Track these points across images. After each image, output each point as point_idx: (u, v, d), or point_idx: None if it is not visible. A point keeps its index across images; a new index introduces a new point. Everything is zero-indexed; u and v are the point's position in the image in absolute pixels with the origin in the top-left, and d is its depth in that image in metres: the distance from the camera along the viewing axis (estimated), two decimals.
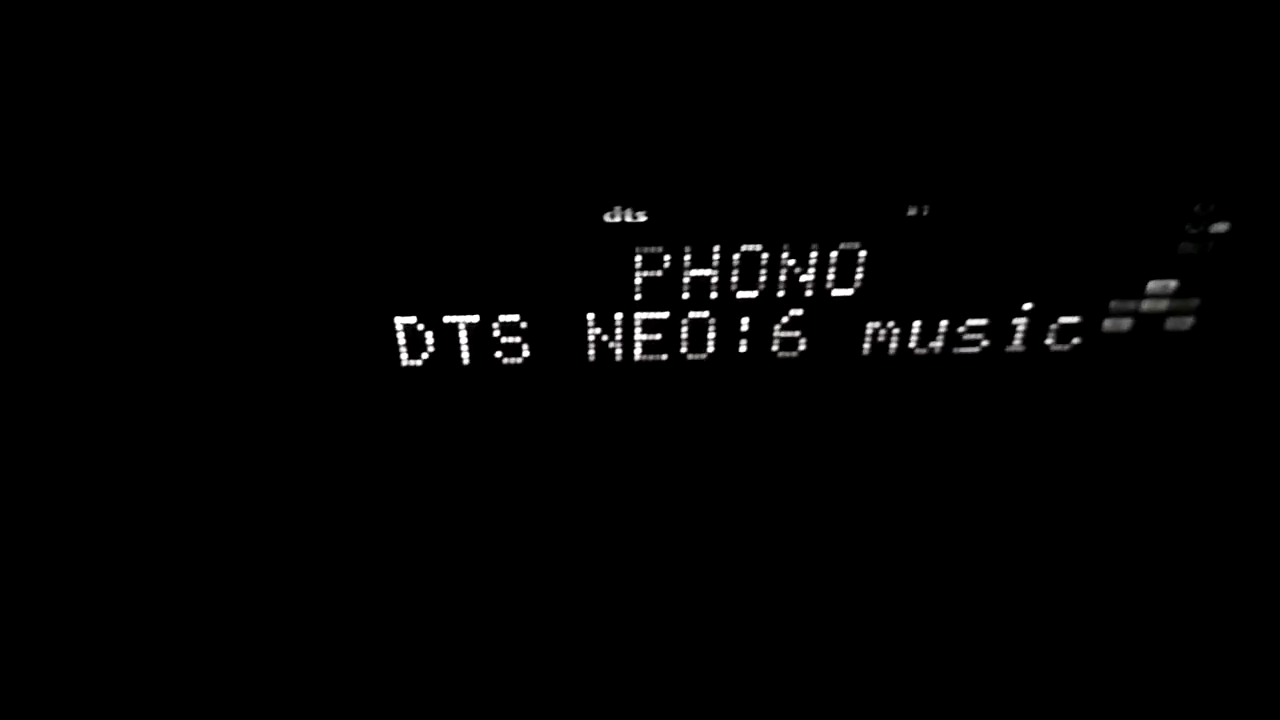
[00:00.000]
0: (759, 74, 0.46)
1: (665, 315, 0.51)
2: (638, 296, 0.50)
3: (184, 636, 0.53)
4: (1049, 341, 0.53)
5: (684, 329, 0.51)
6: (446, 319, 0.50)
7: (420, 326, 0.50)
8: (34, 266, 0.48)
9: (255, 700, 0.52)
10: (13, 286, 0.48)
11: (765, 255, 0.49)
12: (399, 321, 0.50)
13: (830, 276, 0.50)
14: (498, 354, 0.51)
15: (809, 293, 0.50)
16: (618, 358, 0.52)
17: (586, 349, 0.52)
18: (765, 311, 0.51)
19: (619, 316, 0.51)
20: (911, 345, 0.53)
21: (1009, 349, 0.53)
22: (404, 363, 0.51)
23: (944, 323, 0.52)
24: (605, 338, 0.51)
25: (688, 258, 0.49)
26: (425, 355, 0.51)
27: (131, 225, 0.46)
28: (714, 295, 0.50)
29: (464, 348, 0.51)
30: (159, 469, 0.54)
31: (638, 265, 0.49)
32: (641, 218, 0.48)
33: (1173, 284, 0.52)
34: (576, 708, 0.52)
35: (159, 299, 0.48)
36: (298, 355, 0.50)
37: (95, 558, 0.54)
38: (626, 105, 0.46)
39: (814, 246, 0.49)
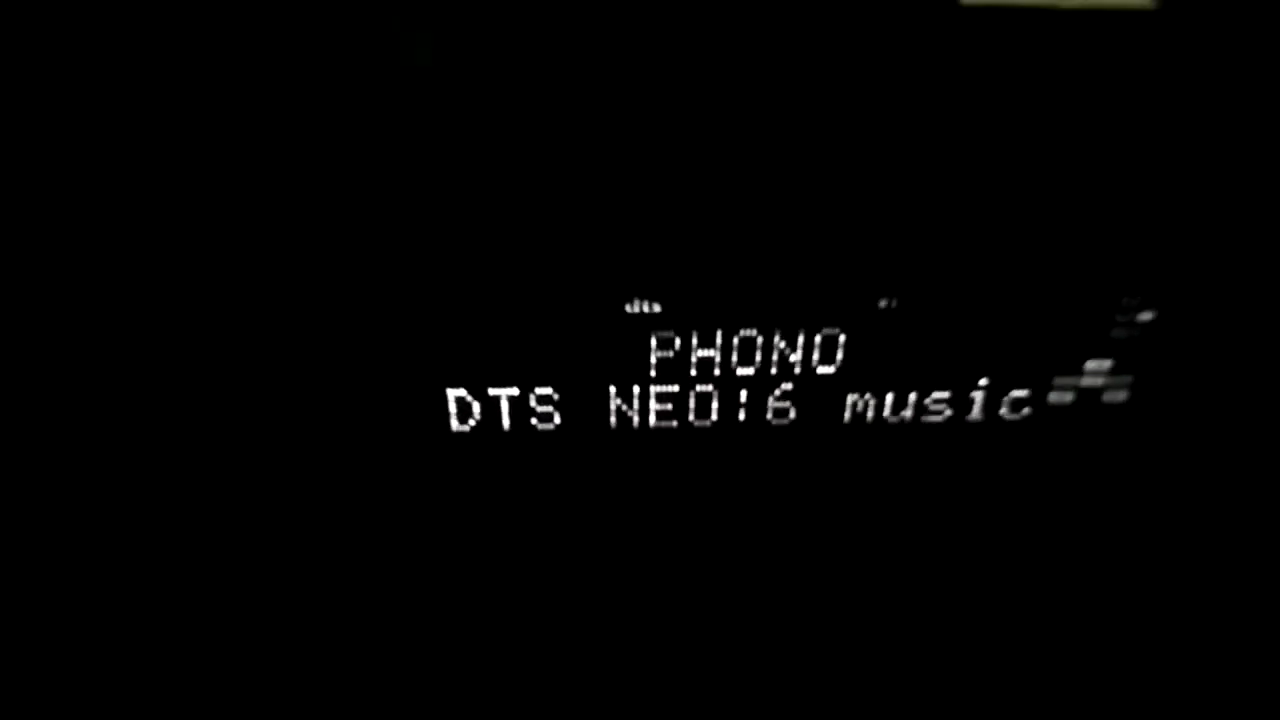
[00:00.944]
0: (758, 193, 0.55)
1: (676, 389, 0.59)
2: (653, 373, 0.59)
3: (225, 681, 0.61)
4: (1003, 412, 0.62)
5: (691, 400, 0.60)
6: (491, 391, 0.59)
7: (468, 397, 0.59)
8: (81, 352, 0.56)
9: None
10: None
11: (760, 339, 0.58)
12: (450, 393, 0.59)
13: (815, 356, 0.59)
14: (534, 421, 0.60)
15: (797, 370, 0.59)
16: (635, 425, 0.61)
17: (609, 417, 0.60)
18: (760, 386, 0.60)
19: (636, 389, 0.59)
20: (885, 414, 0.61)
21: (969, 418, 0.62)
22: (454, 428, 0.60)
23: (912, 395, 0.61)
24: (625, 408, 0.60)
25: (695, 340, 0.58)
26: (472, 422, 0.60)
27: (210, 298, 0.55)
28: (717, 372, 0.59)
29: (505, 416, 0.59)
30: (224, 513, 0.62)
31: (653, 347, 0.58)
32: (656, 308, 0.57)
33: (1108, 363, 0.61)
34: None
35: (244, 365, 0.57)
36: (362, 421, 0.59)
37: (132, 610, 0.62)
38: (646, 215, 0.55)
39: (801, 331, 0.58)
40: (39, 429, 0.57)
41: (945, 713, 0.61)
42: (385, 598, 0.63)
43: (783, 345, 0.58)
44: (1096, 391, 0.62)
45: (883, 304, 0.57)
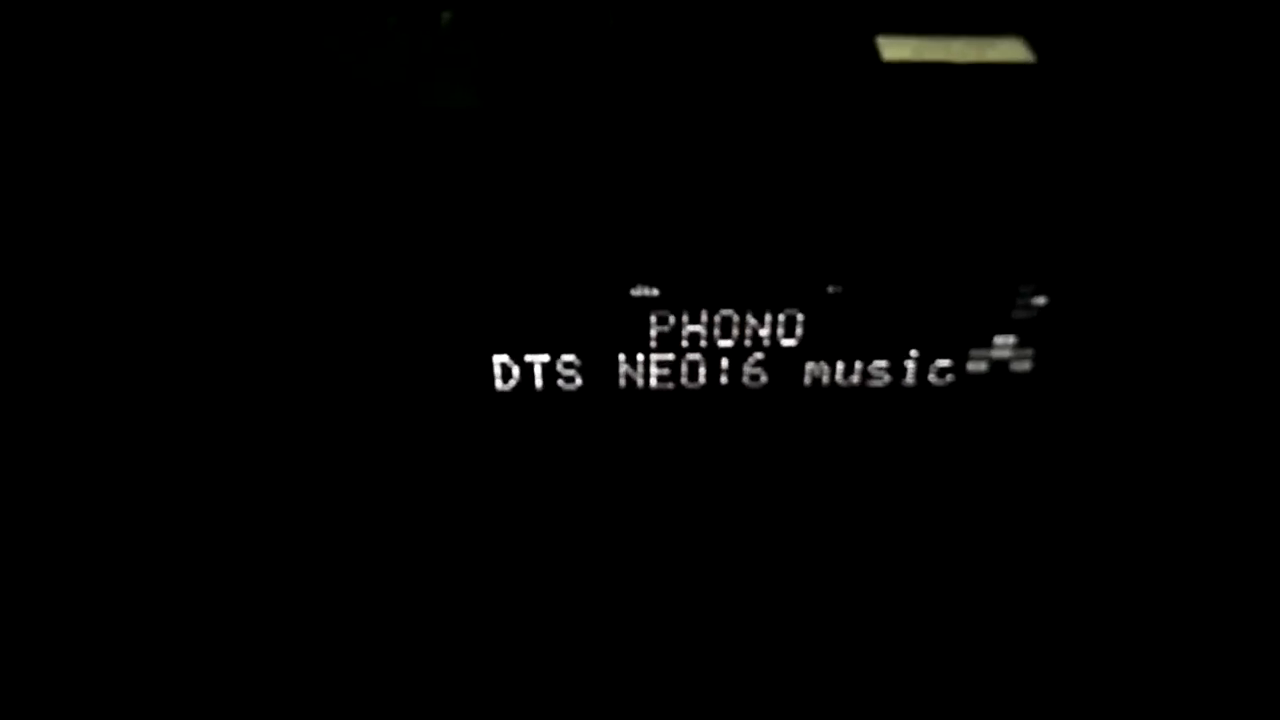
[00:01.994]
0: (734, 205, 0.71)
1: (671, 357, 0.75)
2: (653, 344, 0.75)
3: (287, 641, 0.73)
4: (931, 378, 0.78)
5: (684, 367, 0.76)
6: (527, 357, 0.75)
7: (509, 362, 0.75)
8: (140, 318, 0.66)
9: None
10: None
11: (736, 317, 0.74)
12: (496, 359, 0.75)
13: (780, 331, 0.75)
14: (560, 382, 0.76)
15: (766, 343, 0.75)
16: (639, 386, 0.77)
17: (618, 380, 0.76)
18: (737, 355, 0.76)
19: (640, 358, 0.75)
20: (838, 380, 0.77)
21: (904, 383, 0.78)
22: (498, 388, 0.76)
23: (859, 364, 0.77)
24: (631, 372, 0.76)
25: (686, 318, 0.74)
26: (512, 383, 0.76)
27: (266, 265, 0.66)
28: (703, 344, 0.75)
29: (538, 377, 0.76)
30: (282, 465, 0.75)
31: (652, 323, 0.74)
32: (655, 292, 0.73)
33: (1012, 339, 0.76)
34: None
35: (315, 330, 0.73)
36: (424, 383, 0.76)
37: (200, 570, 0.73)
38: (648, 222, 0.70)
39: (768, 311, 0.74)
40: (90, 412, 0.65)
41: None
42: (435, 528, 0.79)
43: (754, 322, 0.74)
44: (1005, 362, 0.77)
45: (831, 289, 0.72)
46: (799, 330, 0.73)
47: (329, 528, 0.77)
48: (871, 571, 0.78)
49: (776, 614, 0.77)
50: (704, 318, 0.71)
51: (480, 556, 0.78)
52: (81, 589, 0.68)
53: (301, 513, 0.77)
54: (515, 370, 0.74)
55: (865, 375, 0.75)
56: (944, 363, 0.75)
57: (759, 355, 0.74)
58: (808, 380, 0.75)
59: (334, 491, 0.77)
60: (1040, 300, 0.73)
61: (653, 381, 0.75)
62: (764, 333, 0.73)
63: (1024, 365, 0.76)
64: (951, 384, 0.76)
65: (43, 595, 0.64)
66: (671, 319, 0.71)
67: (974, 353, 0.75)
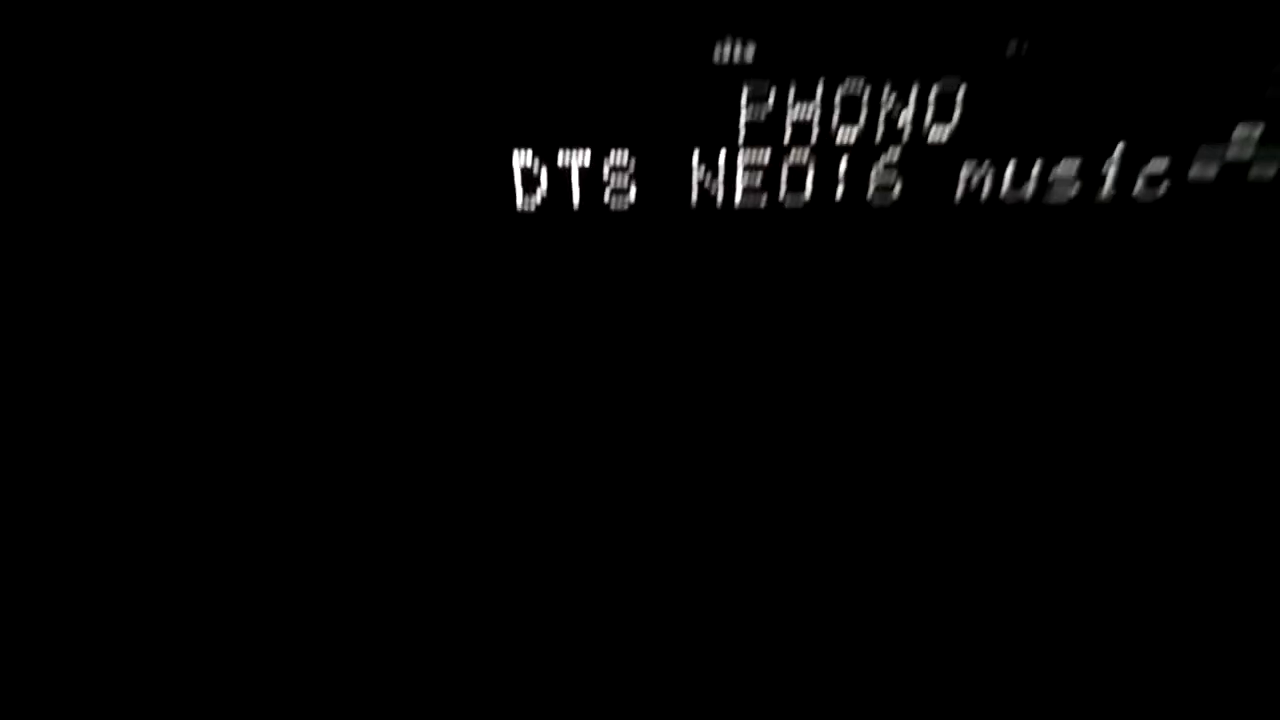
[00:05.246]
0: None
1: (767, 155, 0.52)
2: (742, 136, 0.51)
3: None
4: (1138, 189, 0.54)
5: (784, 171, 0.53)
6: (561, 157, 0.52)
7: (534, 164, 0.52)
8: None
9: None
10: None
11: (866, 92, 0.50)
12: (516, 158, 0.52)
13: (929, 116, 0.51)
14: (607, 196, 0.53)
15: (906, 134, 0.52)
16: (719, 202, 0.54)
17: (689, 192, 0.53)
18: (862, 153, 0.52)
19: (723, 154, 0.52)
20: (1004, 189, 0.54)
21: (1098, 197, 0.54)
22: (518, 206, 0.53)
23: (1037, 165, 0.53)
24: (708, 179, 0.53)
25: (792, 94, 0.50)
26: (537, 196, 0.53)
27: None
28: (815, 136, 0.52)
29: (575, 189, 0.53)
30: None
31: (743, 102, 0.51)
32: (749, 53, 0.49)
33: (1258, 130, 0.53)
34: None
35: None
36: (411, 197, 0.52)
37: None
38: None
39: (912, 83, 0.50)
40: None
41: None
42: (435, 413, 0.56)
43: (891, 102, 0.51)
44: (1245, 165, 0.54)
45: (1011, 50, 0.50)
46: (956, 114, 0.50)
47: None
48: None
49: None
50: (819, 93, 0.50)
51: (501, 451, 0.56)
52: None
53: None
54: (543, 176, 0.51)
55: (1044, 183, 0.52)
56: (1158, 165, 0.53)
57: (893, 153, 0.51)
58: (961, 191, 0.52)
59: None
60: None
61: (738, 194, 0.52)
62: (904, 117, 0.50)
63: (1268, 171, 0.52)
64: (1165, 197, 0.53)
65: (45, 584, 0.55)
66: (771, 95, 0.50)
67: (1204, 150, 0.53)
